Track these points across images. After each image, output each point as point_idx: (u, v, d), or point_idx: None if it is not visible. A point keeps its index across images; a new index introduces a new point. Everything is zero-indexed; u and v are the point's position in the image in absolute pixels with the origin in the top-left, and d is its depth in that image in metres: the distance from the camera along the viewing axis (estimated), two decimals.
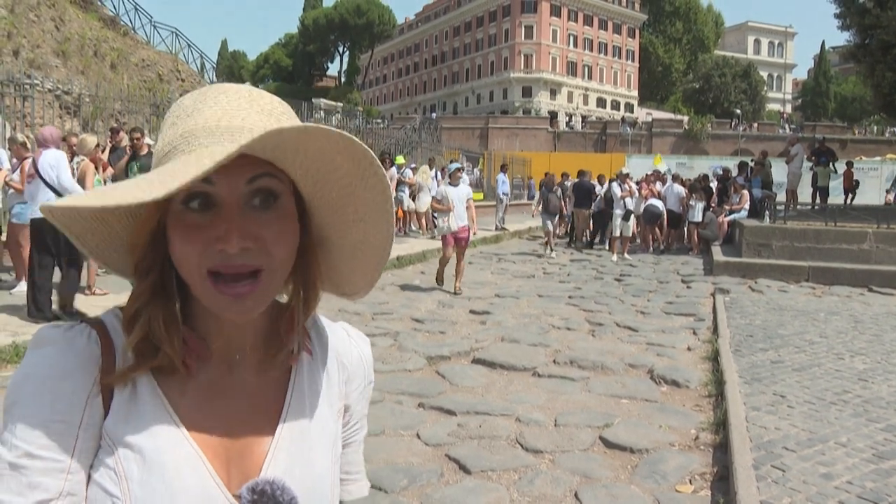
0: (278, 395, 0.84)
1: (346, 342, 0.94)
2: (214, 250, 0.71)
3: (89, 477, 0.73)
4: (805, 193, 20.47)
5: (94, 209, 0.74)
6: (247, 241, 0.71)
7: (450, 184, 9.81)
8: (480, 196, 26.99)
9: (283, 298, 0.85)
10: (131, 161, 8.79)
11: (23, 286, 7.60)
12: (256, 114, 0.75)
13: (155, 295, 0.77)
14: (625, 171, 15.83)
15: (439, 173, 17.20)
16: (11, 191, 7.66)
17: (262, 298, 0.75)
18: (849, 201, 21.50)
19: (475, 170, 28.73)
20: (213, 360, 0.80)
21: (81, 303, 7.05)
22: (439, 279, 10.07)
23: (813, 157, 19.32)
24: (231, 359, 0.81)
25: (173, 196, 0.68)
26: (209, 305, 0.74)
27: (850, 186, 22.08)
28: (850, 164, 21.81)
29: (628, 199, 15.02)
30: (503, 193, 20.41)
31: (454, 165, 10.62)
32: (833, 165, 19.44)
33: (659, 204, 16.14)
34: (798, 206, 16.31)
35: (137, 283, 0.77)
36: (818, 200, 18.45)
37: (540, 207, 15.62)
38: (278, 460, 0.79)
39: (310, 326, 0.90)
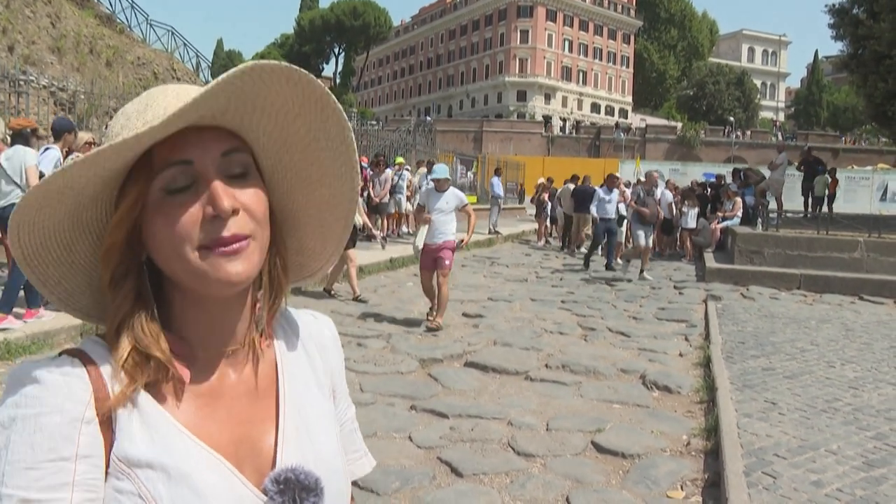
0: (270, 388, 0.84)
1: (315, 325, 0.96)
2: (205, 223, 0.73)
3: None
4: (797, 202, 20.55)
5: (93, 163, 0.69)
6: (234, 202, 0.73)
7: (435, 189, 7.82)
8: (474, 199, 27.04)
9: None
10: None
11: None
12: None
13: (135, 302, 0.76)
14: (617, 174, 15.79)
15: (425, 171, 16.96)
16: None
17: (252, 263, 0.76)
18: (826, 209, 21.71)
19: (469, 173, 28.76)
20: (201, 363, 0.80)
21: None
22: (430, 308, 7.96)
23: (802, 167, 19.43)
24: (219, 360, 0.81)
25: (153, 183, 0.72)
26: (202, 281, 0.74)
27: (833, 194, 22.18)
28: (832, 172, 21.93)
29: (621, 205, 15.05)
30: (498, 197, 20.42)
31: (440, 171, 8.07)
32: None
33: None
34: (787, 214, 16.36)
35: (114, 295, 0.76)
36: (815, 210, 18.55)
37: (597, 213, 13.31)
38: (289, 451, 0.80)
39: (279, 317, 0.90)
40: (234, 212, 0.73)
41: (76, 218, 0.75)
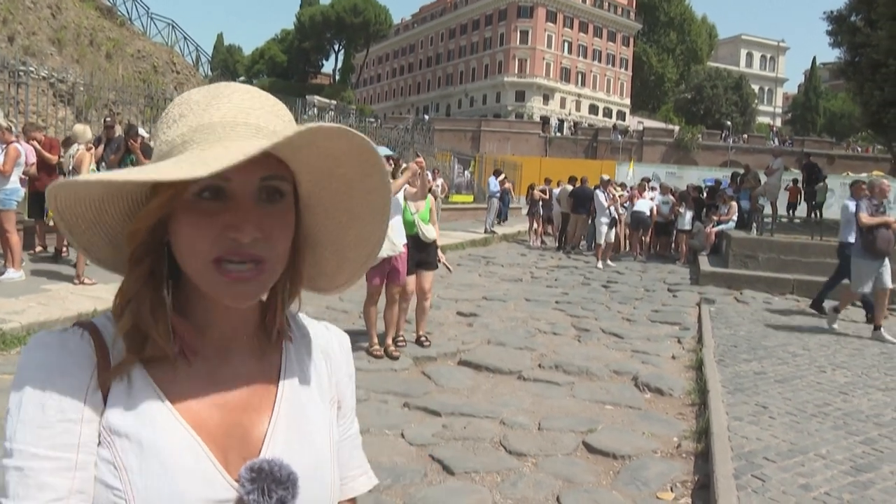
0: (271, 382, 0.86)
1: (326, 335, 0.97)
2: (225, 238, 0.74)
3: None
4: (799, 208, 20.70)
5: (135, 182, 0.74)
6: (257, 231, 0.75)
7: None
8: (470, 198, 27.02)
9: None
10: (126, 157, 8.83)
11: (11, 274, 7.58)
12: (267, 114, 0.78)
13: (146, 282, 0.79)
14: (605, 177, 15.60)
15: None
16: None
17: (261, 287, 0.78)
18: (793, 213, 22.00)
19: (466, 172, 28.73)
20: (207, 349, 0.82)
21: (70, 292, 7.03)
22: (370, 334, 6.30)
23: (803, 173, 19.58)
24: (224, 348, 0.83)
25: (188, 186, 0.73)
26: (210, 291, 0.77)
27: (796, 201, 22.30)
28: (795, 181, 22.09)
29: (612, 208, 15.05)
30: (495, 197, 20.43)
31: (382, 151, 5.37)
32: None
33: (645, 209, 16.21)
34: (781, 219, 16.46)
35: (130, 271, 0.79)
36: (813, 215, 18.70)
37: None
38: (276, 441, 0.81)
39: (290, 321, 0.92)
40: (255, 240, 0.75)
41: (109, 188, 0.78)
